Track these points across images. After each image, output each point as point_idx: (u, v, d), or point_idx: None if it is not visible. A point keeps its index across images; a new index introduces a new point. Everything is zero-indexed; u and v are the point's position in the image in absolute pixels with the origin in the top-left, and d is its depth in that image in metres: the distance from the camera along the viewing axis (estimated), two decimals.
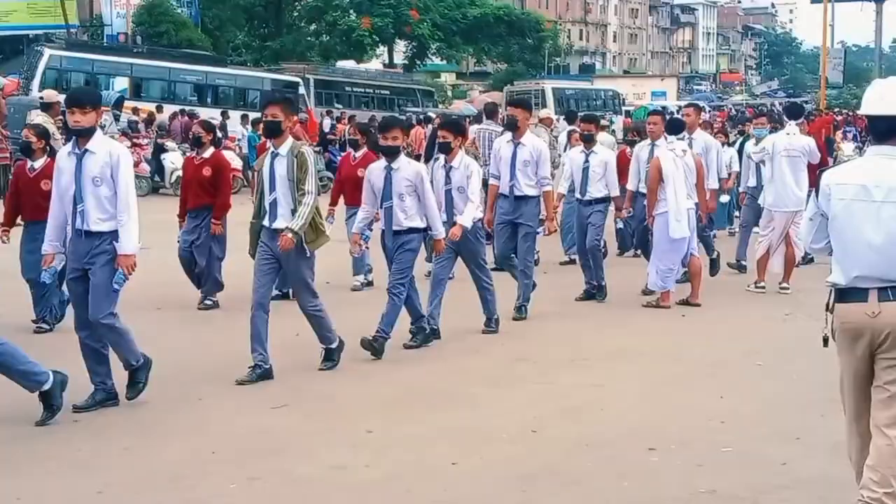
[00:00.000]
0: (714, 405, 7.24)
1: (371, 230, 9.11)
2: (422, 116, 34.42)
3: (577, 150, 11.97)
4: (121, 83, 33.86)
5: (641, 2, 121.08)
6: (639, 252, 13.39)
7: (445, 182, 9.33)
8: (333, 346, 8.16)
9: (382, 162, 8.76)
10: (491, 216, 10.29)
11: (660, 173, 10.75)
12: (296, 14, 61.96)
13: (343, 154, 15.34)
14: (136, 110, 28.74)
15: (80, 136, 6.79)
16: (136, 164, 23.55)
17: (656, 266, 10.97)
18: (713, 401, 7.37)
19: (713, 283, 12.19)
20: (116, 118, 26.61)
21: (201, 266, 10.52)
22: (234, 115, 30.14)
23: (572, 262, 13.09)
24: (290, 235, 7.59)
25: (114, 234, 6.78)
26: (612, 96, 56.79)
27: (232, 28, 55.88)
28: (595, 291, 11.33)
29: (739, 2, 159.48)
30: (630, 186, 11.93)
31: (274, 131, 7.80)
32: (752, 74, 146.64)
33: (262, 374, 7.72)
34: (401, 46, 64.04)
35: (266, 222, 7.79)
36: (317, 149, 25.08)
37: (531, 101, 11.32)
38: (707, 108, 64.05)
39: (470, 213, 9.11)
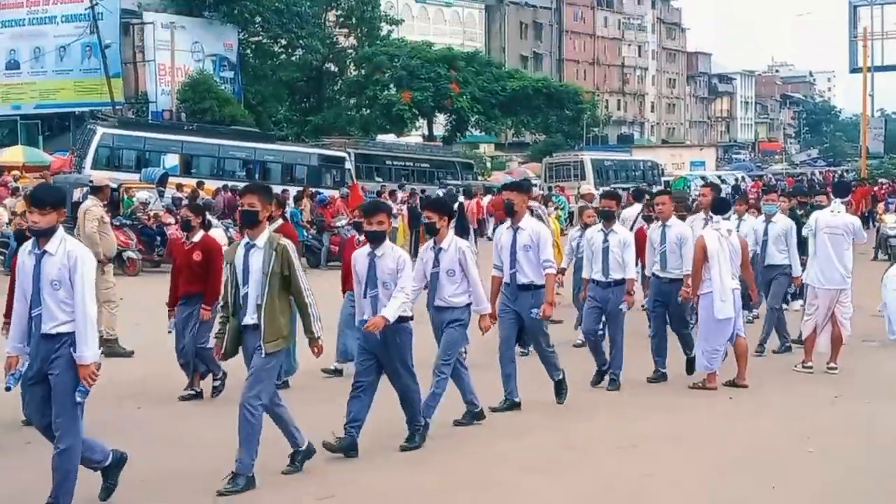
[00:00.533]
0: (767, 497, 7.10)
1: None
2: (474, 188, 34.69)
3: (595, 229, 11.30)
4: (171, 160, 34.42)
5: (679, 72, 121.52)
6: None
7: (434, 264, 8.82)
8: (301, 448, 7.67)
9: (367, 248, 8.24)
10: (495, 310, 9.60)
11: (705, 253, 10.69)
12: (337, 89, 62.72)
13: (349, 236, 14.84)
14: (179, 186, 29.07)
15: (40, 236, 6.46)
16: (179, 241, 23.84)
17: (702, 347, 10.87)
18: (765, 491, 7.24)
19: (760, 363, 12.05)
20: (161, 195, 26.95)
21: (195, 354, 10.18)
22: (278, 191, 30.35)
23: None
24: (320, 343, 7.37)
25: (73, 337, 6.38)
26: (651, 167, 56.85)
27: (274, 103, 56.66)
28: (610, 373, 10.90)
29: (777, 71, 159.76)
30: (646, 271, 11.70)
31: (251, 221, 7.28)
32: (791, 143, 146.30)
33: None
34: (440, 119, 64.52)
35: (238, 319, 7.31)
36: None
37: (529, 184, 10.80)
38: (746, 178, 63.96)
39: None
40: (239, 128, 42.99)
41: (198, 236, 10.35)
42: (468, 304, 8.88)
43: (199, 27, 52.57)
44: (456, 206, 13.29)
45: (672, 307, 11.26)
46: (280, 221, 10.76)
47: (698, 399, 10.44)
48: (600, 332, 10.97)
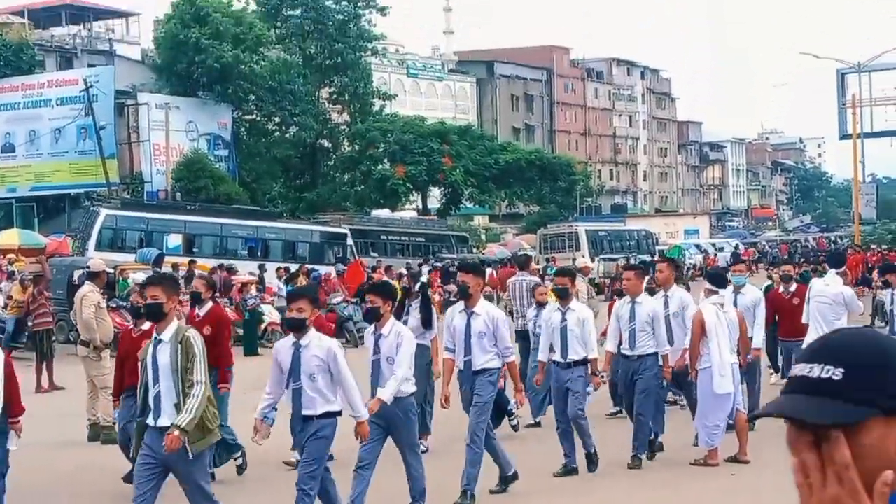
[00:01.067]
0: None
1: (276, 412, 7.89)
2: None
3: (551, 308, 11.02)
4: (174, 240, 34.54)
5: (670, 140, 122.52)
6: (621, 411, 12.56)
7: (374, 351, 8.26)
8: None
9: (290, 338, 7.74)
10: (447, 392, 9.34)
11: (703, 327, 10.68)
12: (331, 164, 63.13)
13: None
14: (175, 266, 29.06)
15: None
16: (127, 329, 23.72)
17: (702, 423, 10.82)
18: None
19: (760, 436, 11.97)
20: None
21: None
22: (272, 269, 30.48)
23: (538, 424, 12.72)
24: (176, 433, 6.74)
25: None
26: (646, 236, 57.05)
27: (269, 180, 56.97)
28: (582, 464, 10.44)
29: (767, 138, 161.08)
30: (608, 347, 11.12)
31: (156, 314, 7.06)
32: (783, 209, 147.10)
33: None
34: (435, 193, 64.85)
35: (150, 420, 6.98)
36: (354, 300, 25.19)
37: (483, 269, 10.22)
38: (740, 246, 64.16)
39: (392, 387, 7.91)
40: (240, 206, 43.23)
41: (206, 308, 10.24)
42: (411, 394, 8.33)
43: (194, 107, 53.00)
44: (418, 286, 13.00)
45: (640, 384, 10.77)
46: (210, 304, 10.36)
47: (700, 476, 10.38)
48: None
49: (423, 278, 22.40)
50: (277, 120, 58.46)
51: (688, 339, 10.96)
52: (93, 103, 47.36)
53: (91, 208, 35.92)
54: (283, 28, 61.05)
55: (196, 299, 10.47)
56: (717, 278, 11.63)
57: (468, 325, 9.15)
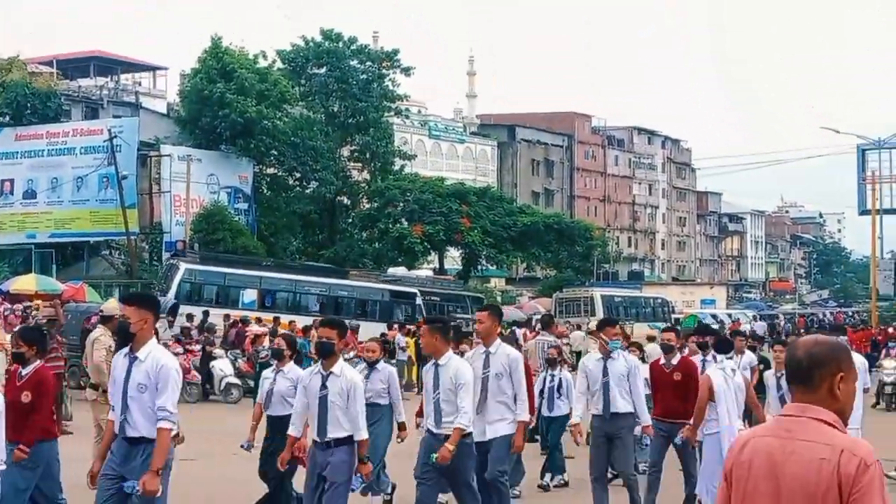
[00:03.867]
0: None
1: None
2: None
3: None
4: (250, 295, 35.47)
5: (689, 210, 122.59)
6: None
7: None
8: None
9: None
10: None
11: (711, 392, 10.64)
12: (349, 221, 63.39)
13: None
14: (259, 320, 29.28)
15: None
16: (188, 371, 23.86)
17: (706, 487, 10.73)
18: None
19: None
20: (170, 325, 27.07)
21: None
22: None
23: None
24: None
25: None
26: (662, 304, 56.91)
27: (287, 234, 57.19)
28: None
29: (787, 211, 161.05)
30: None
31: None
32: (802, 283, 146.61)
33: None
34: (452, 253, 64.95)
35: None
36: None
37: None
38: (757, 318, 63.92)
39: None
40: (313, 264, 44.98)
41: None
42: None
43: (215, 160, 53.41)
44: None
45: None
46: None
47: None
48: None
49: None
50: (298, 175, 58.84)
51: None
52: (116, 153, 47.73)
53: (170, 262, 37.27)
54: (307, 85, 61.65)
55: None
56: (722, 344, 11.63)
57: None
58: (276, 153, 56.13)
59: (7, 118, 51.70)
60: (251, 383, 24.91)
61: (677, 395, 11.33)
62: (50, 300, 25.51)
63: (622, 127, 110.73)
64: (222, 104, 51.07)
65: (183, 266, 35.14)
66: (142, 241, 52.53)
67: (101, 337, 12.98)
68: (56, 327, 19.03)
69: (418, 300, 39.26)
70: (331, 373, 8.02)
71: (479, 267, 66.09)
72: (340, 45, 61.95)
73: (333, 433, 7.89)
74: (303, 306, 36.38)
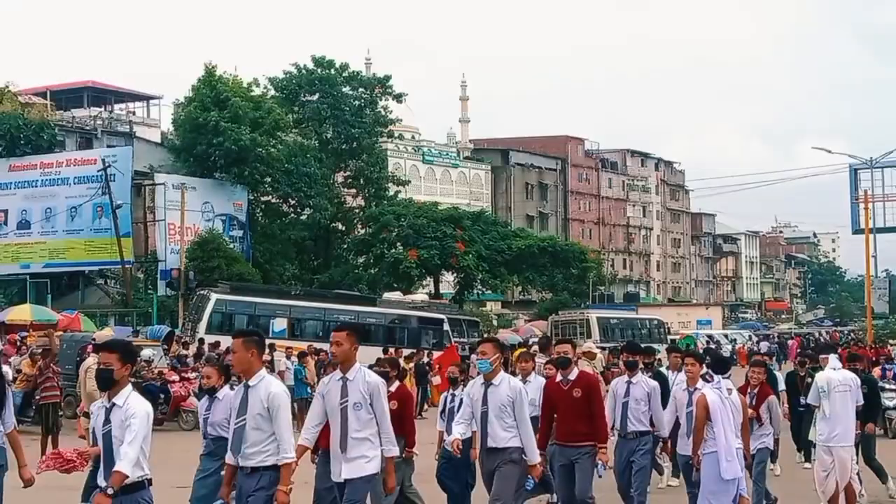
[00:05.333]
0: None
1: None
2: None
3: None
4: (280, 324, 35.89)
5: (684, 231, 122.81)
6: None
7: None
8: None
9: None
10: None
11: (707, 412, 10.62)
12: (344, 247, 63.46)
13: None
14: (289, 350, 29.21)
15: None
16: (185, 399, 23.77)
17: None
18: None
19: None
20: (165, 352, 27.00)
21: None
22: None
23: None
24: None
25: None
26: (657, 325, 56.90)
27: (282, 261, 57.21)
28: None
29: (781, 231, 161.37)
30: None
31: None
32: (797, 302, 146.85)
33: None
34: (447, 277, 64.98)
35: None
36: None
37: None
38: (753, 338, 63.97)
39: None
40: (343, 292, 45.41)
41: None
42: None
43: (210, 188, 53.48)
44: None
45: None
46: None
47: None
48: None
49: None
50: (293, 202, 58.96)
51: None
52: (110, 182, 47.79)
53: (200, 292, 37.50)
54: (300, 112, 61.88)
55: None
56: (719, 364, 11.60)
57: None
58: (270, 180, 56.26)
59: (0, 149, 51.72)
60: None
61: (578, 415, 10.12)
62: (44, 329, 25.47)
63: (615, 150, 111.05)
64: (216, 132, 51.20)
65: (214, 296, 35.68)
66: (137, 270, 52.53)
67: (94, 365, 12.96)
68: (50, 357, 19.01)
69: (445, 326, 39.71)
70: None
71: (475, 291, 66.11)
72: (332, 71, 62.24)
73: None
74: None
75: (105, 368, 6.90)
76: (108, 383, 6.89)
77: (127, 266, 48.86)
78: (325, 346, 30.65)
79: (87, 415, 12.85)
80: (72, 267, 51.17)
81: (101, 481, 6.93)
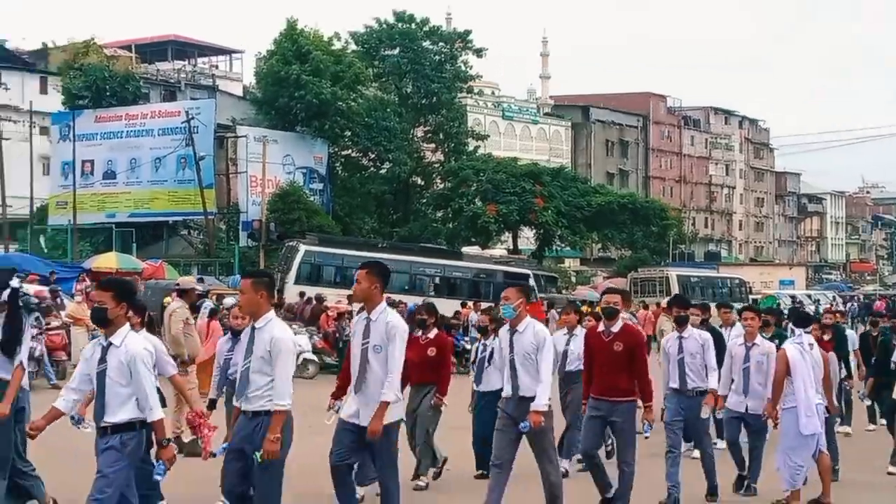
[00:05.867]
0: None
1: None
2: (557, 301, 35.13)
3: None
4: None
5: (767, 191, 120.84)
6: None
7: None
8: None
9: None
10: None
11: (787, 366, 10.49)
12: (423, 201, 63.54)
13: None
14: (309, 300, 29.52)
15: None
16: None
17: (785, 462, 10.58)
18: None
19: (845, 477, 11.70)
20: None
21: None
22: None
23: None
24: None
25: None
26: (739, 284, 56.25)
27: (362, 214, 57.52)
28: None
29: (868, 192, 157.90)
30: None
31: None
32: (883, 264, 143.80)
33: None
34: (526, 233, 64.78)
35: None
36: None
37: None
38: (837, 298, 62.85)
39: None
40: (428, 245, 45.52)
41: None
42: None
43: (291, 141, 53.82)
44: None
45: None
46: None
47: None
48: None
49: None
50: (372, 156, 59.09)
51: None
52: (193, 135, 48.38)
53: (289, 244, 37.82)
54: (380, 67, 61.87)
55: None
56: (801, 318, 11.44)
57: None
58: (350, 134, 56.44)
59: (86, 100, 52.54)
60: (327, 359, 25.26)
61: (618, 369, 9.77)
62: (130, 276, 25.93)
63: (698, 107, 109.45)
64: (298, 86, 51.43)
65: (302, 248, 35.86)
66: (219, 221, 53.19)
67: (179, 309, 13.20)
68: None
69: (531, 281, 39.40)
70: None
71: (554, 247, 65.82)
72: (413, 26, 62.08)
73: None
74: (418, 287, 36.61)
75: (99, 308, 6.87)
76: (102, 322, 6.87)
77: (210, 217, 49.51)
78: (410, 300, 31.08)
79: (174, 357, 13.07)
80: (156, 217, 51.90)
81: (88, 420, 7.11)
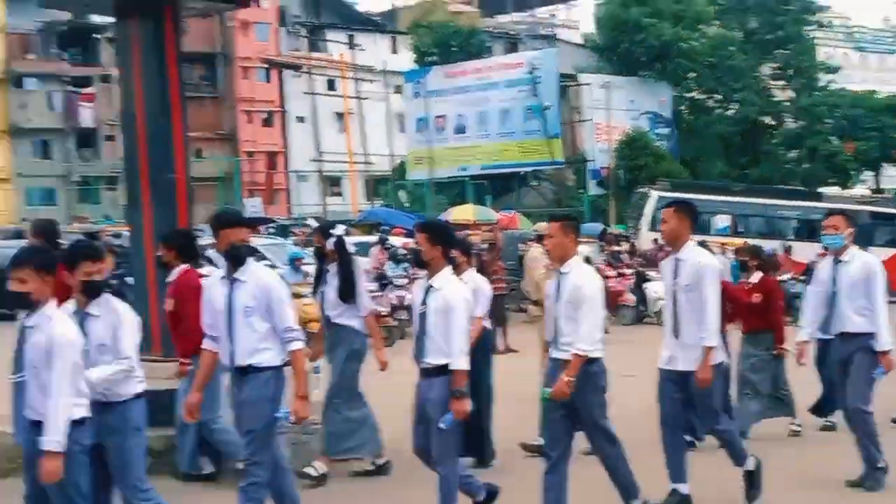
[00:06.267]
0: None
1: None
2: None
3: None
4: (722, 220, 35.47)
5: None
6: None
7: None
8: None
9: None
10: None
11: None
12: (774, 142, 61.25)
13: None
14: (724, 245, 29.24)
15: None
16: (621, 294, 24.09)
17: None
18: None
19: None
20: (601, 249, 27.37)
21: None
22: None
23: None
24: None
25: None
26: None
27: (710, 158, 56.27)
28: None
29: None
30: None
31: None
32: None
33: None
34: (889, 171, 61.02)
35: None
36: (802, 278, 24.19)
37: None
38: None
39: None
40: (785, 187, 43.91)
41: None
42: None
43: (634, 86, 53.35)
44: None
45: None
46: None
47: None
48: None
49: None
50: (718, 97, 57.62)
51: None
52: (537, 85, 48.91)
53: (639, 191, 37.46)
54: (722, 3, 60.00)
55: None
56: None
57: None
58: (694, 75, 55.36)
59: (435, 57, 54.33)
60: None
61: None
62: (488, 227, 26.58)
63: None
64: (638, 29, 50.89)
65: (655, 194, 35.02)
66: (567, 170, 53.70)
67: (539, 255, 13.31)
68: (495, 252, 19.83)
69: None
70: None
71: None
72: None
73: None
74: (777, 231, 35.46)
75: (415, 249, 6.98)
76: (419, 263, 6.85)
77: (559, 167, 50.06)
78: (767, 244, 29.89)
79: (536, 303, 13.23)
80: (507, 168, 52.96)
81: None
